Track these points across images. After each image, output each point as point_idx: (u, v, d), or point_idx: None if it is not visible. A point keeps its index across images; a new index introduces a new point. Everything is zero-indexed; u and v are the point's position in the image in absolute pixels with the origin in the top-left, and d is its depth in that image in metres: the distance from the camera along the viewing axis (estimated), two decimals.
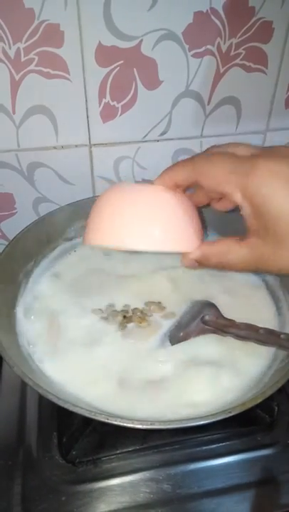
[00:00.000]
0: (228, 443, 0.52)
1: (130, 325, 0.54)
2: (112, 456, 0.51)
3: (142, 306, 0.56)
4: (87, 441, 0.52)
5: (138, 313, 0.55)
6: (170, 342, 0.51)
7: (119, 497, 0.48)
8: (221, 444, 0.52)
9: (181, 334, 0.52)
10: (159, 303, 0.56)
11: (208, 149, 0.43)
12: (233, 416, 0.41)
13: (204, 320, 0.51)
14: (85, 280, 0.61)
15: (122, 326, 0.54)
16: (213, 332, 0.50)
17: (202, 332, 0.51)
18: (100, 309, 0.56)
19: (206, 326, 0.51)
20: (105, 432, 0.52)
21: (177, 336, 0.52)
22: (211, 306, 0.53)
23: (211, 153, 0.40)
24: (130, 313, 0.55)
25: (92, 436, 0.52)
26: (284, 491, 0.49)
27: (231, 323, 0.49)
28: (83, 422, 0.52)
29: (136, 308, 0.56)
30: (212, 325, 0.50)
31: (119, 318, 0.55)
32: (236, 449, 0.52)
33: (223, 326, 0.49)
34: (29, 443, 0.52)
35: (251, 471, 0.50)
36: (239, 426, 0.53)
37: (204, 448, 0.52)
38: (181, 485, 0.49)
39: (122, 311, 0.56)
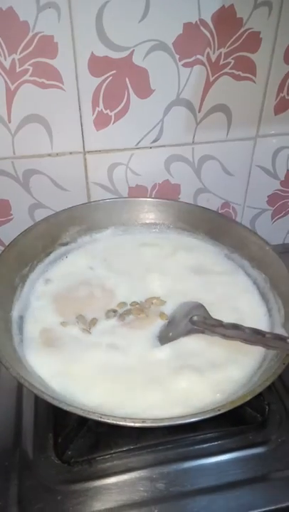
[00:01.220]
0: (220, 442, 0.53)
1: (129, 317, 0.56)
2: (107, 456, 0.52)
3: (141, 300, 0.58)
4: (83, 441, 0.52)
5: (136, 306, 0.57)
6: (160, 342, 0.53)
7: (114, 496, 0.49)
8: (213, 443, 0.53)
9: (170, 334, 0.53)
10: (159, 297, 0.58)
11: None
12: (225, 415, 0.42)
13: (192, 320, 0.52)
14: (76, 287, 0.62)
15: (122, 317, 0.56)
16: (202, 332, 0.52)
17: (190, 332, 0.52)
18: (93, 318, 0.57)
19: (195, 327, 0.52)
20: (100, 432, 0.53)
21: (167, 336, 0.53)
22: (199, 307, 0.54)
23: None
24: (128, 307, 0.57)
25: (87, 436, 0.53)
26: (275, 488, 0.50)
27: (218, 323, 0.51)
28: (78, 422, 0.53)
29: (134, 302, 0.58)
30: (200, 325, 0.52)
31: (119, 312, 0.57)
32: (228, 448, 0.53)
33: (211, 326, 0.51)
34: (25, 444, 0.53)
35: (243, 469, 0.51)
36: (231, 425, 0.54)
37: (197, 447, 0.53)
38: (174, 483, 0.50)
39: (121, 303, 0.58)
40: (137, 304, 0.58)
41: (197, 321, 0.52)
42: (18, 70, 0.58)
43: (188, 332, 0.52)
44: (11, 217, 0.72)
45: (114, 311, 0.57)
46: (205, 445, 0.53)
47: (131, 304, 0.58)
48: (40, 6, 0.54)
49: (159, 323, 0.56)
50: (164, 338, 0.53)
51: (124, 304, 0.58)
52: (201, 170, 0.74)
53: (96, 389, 0.49)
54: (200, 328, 0.52)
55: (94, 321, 0.56)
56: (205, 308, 0.54)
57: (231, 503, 0.49)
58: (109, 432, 0.53)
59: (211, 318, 0.52)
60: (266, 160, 0.75)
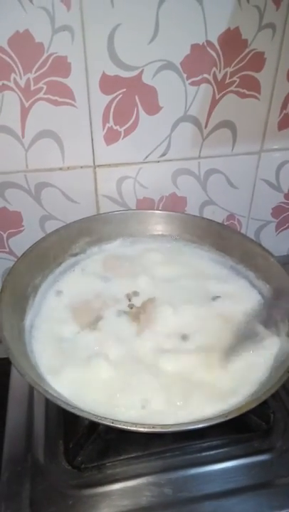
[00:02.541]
0: (226, 449, 0.55)
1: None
2: (116, 462, 0.53)
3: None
4: (92, 447, 0.54)
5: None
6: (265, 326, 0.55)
7: (122, 500, 0.50)
8: (219, 450, 0.54)
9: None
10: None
11: None
12: (230, 423, 0.43)
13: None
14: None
15: (135, 318, 0.58)
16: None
17: None
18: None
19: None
20: (109, 439, 0.54)
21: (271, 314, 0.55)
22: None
23: None
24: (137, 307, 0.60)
25: (96, 443, 0.54)
26: (279, 495, 0.51)
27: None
28: (88, 429, 0.54)
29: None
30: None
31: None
32: (234, 455, 0.54)
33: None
34: (37, 450, 0.55)
35: (248, 476, 0.52)
36: (237, 433, 0.56)
37: (204, 454, 0.54)
38: (181, 489, 0.51)
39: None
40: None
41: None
42: (32, 88, 0.61)
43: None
44: (23, 228, 0.74)
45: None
46: (211, 452, 0.54)
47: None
48: (55, 29, 0.57)
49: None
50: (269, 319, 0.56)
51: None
52: (206, 183, 0.76)
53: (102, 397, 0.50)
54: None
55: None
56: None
57: (237, 509, 0.50)
58: (119, 438, 0.54)
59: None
60: (270, 174, 0.77)
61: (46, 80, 0.60)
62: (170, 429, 0.42)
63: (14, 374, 0.63)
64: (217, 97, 0.66)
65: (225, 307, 0.61)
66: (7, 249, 0.77)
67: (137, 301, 0.61)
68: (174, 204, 0.77)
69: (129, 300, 0.62)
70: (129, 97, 0.64)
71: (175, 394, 0.50)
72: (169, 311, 0.59)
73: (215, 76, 0.64)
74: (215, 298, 0.62)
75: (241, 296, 0.63)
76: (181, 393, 0.50)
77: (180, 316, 0.59)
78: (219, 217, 0.81)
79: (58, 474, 0.52)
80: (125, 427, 0.41)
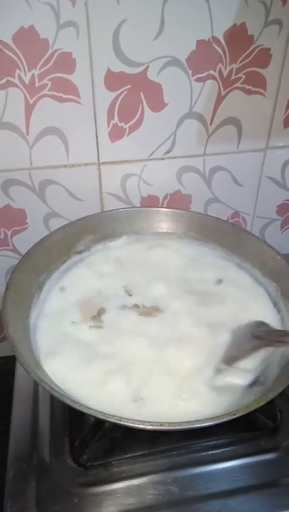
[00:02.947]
0: (232, 448, 0.54)
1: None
2: (122, 460, 0.53)
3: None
4: (98, 445, 0.53)
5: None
6: (227, 364, 0.52)
7: (128, 499, 0.50)
8: (225, 449, 0.54)
9: (237, 353, 0.53)
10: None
11: None
12: (237, 421, 0.43)
13: (257, 335, 0.53)
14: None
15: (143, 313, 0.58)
16: (269, 345, 0.52)
17: (257, 348, 0.52)
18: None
19: (261, 341, 0.52)
20: (115, 437, 0.54)
21: (234, 355, 0.53)
22: (260, 324, 0.55)
23: None
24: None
25: (102, 441, 0.54)
26: (286, 494, 0.51)
27: (284, 333, 0.52)
28: (94, 427, 0.54)
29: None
30: (266, 338, 0.52)
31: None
32: (240, 454, 0.54)
33: (277, 337, 0.52)
34: (42, 448, 0.54)
35: (255, 475, 0.52)
36: (243, 431, 0.55)
37: (210, 452, 0.54)
38: (187, 487, 0.51)
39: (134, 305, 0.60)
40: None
41: (262, 335, 0.53)
42: (37, 84, 0.60)
43: (254, 348, 0.52)
44: (27, 225, 0.74)
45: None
46: (217, 451, 0.54)
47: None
48: (60, 25, 0.56)
49: None
50: (231, 358, 0.53)
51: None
52: (211, 181, 0.75)
53: (111, 395, 0.50)
54: (266, 341, 0.52)
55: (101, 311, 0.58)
56: (267, 324, 0.55)
57: (243, 508, 0.49)
58: (125, 436, 0.54)
59: (275, 329, 0.53)
60: (276, 171, 0.77)
61: (51, 76, 0.60)
62: (177, 427, 0.42)
63: (19, 372, 0.63)
64: (222, 93, 0.66)
65: (229, 291, 0.62)
66: (11, 247, 0.76)
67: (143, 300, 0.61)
68: (178, 202, 0.77)
69: (130, 295, 0.62)
70: (134, 94, 0.63)
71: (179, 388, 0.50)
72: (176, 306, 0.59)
73: (220, 72, 0.64)
74: (219, 281, 0.62)
75: (247, 288, 0.63)
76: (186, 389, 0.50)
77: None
78: (224, 215, 0.80)
79: (63, 472, 0.52)
80: (132, 425, 0.41)
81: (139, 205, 0.76)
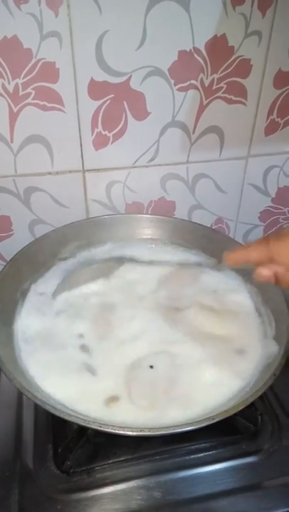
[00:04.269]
0: (214, 451, 0.55)
1: None
2: (105, 466, 0.53)
3: None
4: (81, 452, 0.54)
5: None
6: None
7: (112, 504, 0.50)
8: (208, 453, 0.55)
9: None
10: None
11: (279, 232, 0.47)
12: (218, 426, 0.44)
13: None
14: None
15: None
16: None
17: None
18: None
19: None
20: (98, 442, 0.55)
21: None
22: None
23: (282, 235, 0.45)
24: None
25: (85, 447, 0.54)
26: (268, 496, 0.51)
27: None
28: (77, 433, 0.54)
29: None
30: None
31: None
32: (223, 457, 0.54)
33: None
34: (25, 455, 0.55)
35: (237, 478, 0.53)
36: (225, 435, 0.56)
37: (192, 456, 0.54)
38: (171, 492, 0.51)
39: None
40: None
41: None
42: (21, 93, 0.61)
43: None
44: (12, 232, 0.74)
45: None
46: (200, 455, 0.55)
47: None
48: (43, 35, 0.57)
49: None
50: None
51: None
52: (195, 187, 0.76)
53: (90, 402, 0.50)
54: None
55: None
56: None
57: (226, 511, 0.50)
58: (107, 442, 0.55)
59: None
60: (257, 178, 0.78)
61: (35, 85, 0.60)
62: (158, 433, 0.42)
63: (3, 379, 0.63)
64: (204, 102, 0.67)
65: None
66: None
67: None
68: (163, 208, 0.77)
69: None
70: (117, 103, 0.64)
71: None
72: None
73: (202, 82, 0.65)
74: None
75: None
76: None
77: None
78: (208, 221, 0.81)
79: (46, 479, 0.52)
80: (113, 431, 0.42)
81: (124, 212, 0.76)
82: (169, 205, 0.78)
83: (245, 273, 0.65)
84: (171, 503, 0.51)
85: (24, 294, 0.62)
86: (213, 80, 0.65)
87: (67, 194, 0.72)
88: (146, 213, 0.77)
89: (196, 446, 0.55)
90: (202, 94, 0.66)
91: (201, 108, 0.68)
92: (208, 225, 0.80)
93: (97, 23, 0.58)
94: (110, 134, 0.67)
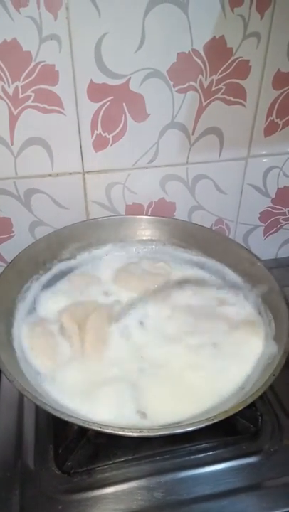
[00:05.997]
0: (215, 452, 0.55)
1: None
2: (106, 466, 0.53)
3: None
4: (82, 452, 0.54)
5: None
6: None
7: (113, 505, 0.50)
8: (208, 453, 0.55)
9: None
10: None
11: None
12: (219, 426, 0.44)
13: None
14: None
15: None
16: None
17: None
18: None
19: None
20: (99, 443, 0.55)
21: None
22: None
23: None
24: None
25: (86, 447, 0.54)
26: (268, 496, 0.52)
27: None
28: (78, 434, 0.55)
29: None
30: None
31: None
32: (223, 458, 0.55)
33: None
34: (26, 455, 0.55)
35: (237, 478, 0.53)
36: (225, 435, 0.56)
37: (193, 457, 0.55)
38: (171, 492, 0.51)
39: None
40: None
41: None
42: (20, 96, 0.61)
43: None
44: (13, 234, 0.75)
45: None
46: (200, 455, 0.55)
47: None
48: (42, 38, 0.57)
49: None
50: None
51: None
52: (195, 188, 0.77)
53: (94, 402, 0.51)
54: None
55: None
56: None
57: (226, 511, 0.50)
58: (108, 443, 0.55)
59: None
60: (257, 179, 0.78)
61: (34, 88, 0.61)
62: (157, 433, 0.43)
63: (4, 380, 0.63)
64: (204, 104, 0.67)
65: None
66: None
67: None
68: (163, 209, 0.78)
69: None
70: (116, 105, 0.64)
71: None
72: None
73: (201, 83, 0.65)
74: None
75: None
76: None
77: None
78: (208, 222, 0.81)
79: (47, 480, 0.52)
80: (113, 432, 0.42)
81: (124, 213, 0.76)
82: (169, 206, 0.78)
83: (245, 274, 0.65)
84: (172, 504, 0.51)
85: (25, 295, 0.62)
86: (212, 81, 0.65)
87: (68, 196, 0.72)
88: (146, 214, 0.77)
89: (197, 446, 0.55)
90: (201, 95, 0.66)
91: (201, 109, 0.68)
92: (209, 226, 0.81)
93: (96, 25, 0.58)
94: (110, 136, 0.67)
